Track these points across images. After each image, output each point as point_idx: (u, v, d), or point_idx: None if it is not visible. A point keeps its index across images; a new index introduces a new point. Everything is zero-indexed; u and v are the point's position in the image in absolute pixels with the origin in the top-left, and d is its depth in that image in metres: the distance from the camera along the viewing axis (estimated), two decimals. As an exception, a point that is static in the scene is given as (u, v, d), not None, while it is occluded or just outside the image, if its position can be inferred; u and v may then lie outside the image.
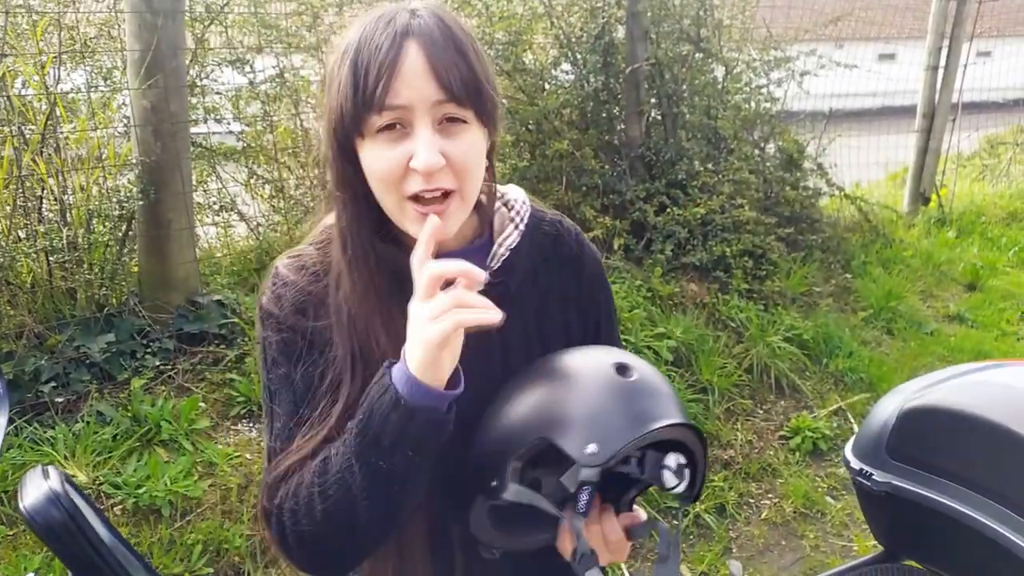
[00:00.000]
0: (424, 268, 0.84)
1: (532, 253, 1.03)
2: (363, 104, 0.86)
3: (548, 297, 1.05)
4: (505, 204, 1.04)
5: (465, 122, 0.89)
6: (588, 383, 0.92)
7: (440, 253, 0.90)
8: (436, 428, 0.86)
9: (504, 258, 1.00)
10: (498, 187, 1.05)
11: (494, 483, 0.94)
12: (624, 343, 3.22)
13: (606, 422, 0.89)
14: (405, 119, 0.87)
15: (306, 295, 0.97)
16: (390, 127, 0.87)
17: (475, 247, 1.01)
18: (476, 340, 0.88)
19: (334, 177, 0.94)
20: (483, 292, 0.86)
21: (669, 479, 0.94)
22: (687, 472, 0.95)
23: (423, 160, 0.85)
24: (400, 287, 0.90)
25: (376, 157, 0.88)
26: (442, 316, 0.81)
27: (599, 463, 0.87)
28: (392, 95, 0.85)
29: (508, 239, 1.00)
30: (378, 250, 0.94)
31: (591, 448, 0.87)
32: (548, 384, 0.94)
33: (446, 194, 0.89)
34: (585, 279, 1.08)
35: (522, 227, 1.02)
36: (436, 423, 0.85)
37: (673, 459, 0.94)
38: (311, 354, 0.96)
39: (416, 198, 0.89)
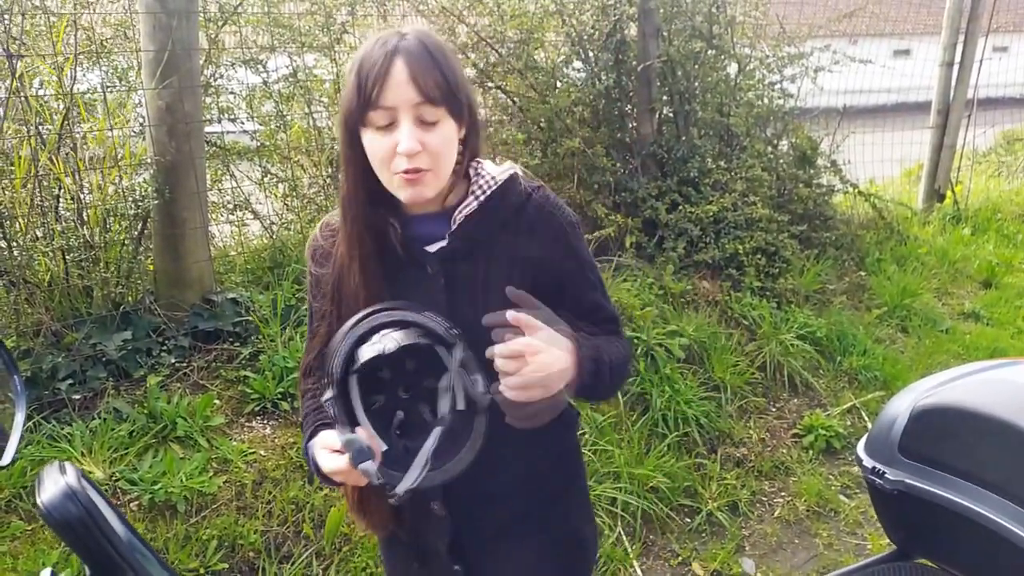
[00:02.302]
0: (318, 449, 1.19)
1: (490, 220, 1.24)
2: (363, 104, 1.15)
3: (503, 258, 1.25)
4: (478, 178, 1.26)
5: (439, 120, 1.16)
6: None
7: (420, 216, 1.24)
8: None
9: (459, 223, 1.23)
10: (486, 165, 1.27)
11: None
12: (636, 340, 3.24)
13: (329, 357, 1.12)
14: (394, 116, 1.15)
15: (320, 248, 1.31)
16: (383, 121, 1.15)
17: (443, 212, 1.25)
18: (424, 292, 1.21)
19: (343, 156, 1.23)
20: (441, 248, 1.23)
21: (368, 350, 1.08)
22: (396, 335, 1.08)
23: (404, 146, 1.14)
24: (381, 244, 1.23)
25: (373, 143, 1.17)
26: (333, 474, 1.15)
27: (330, 388, 1.10)
28: (383, 98, 1.14)
29: (467, 208, 1.23)
30: (367, 212, 1.23)
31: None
32: None
33: (422, 171, 1.17)
34: (546, 244, 1.26)
35: (482, 198, 1.24)
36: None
37: (377, 337, 1.10)
38: (319, 293, 1.31)
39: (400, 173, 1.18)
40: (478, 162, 1.27)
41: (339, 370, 1.09)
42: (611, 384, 1.26)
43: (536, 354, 1.08)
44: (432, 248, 1.24)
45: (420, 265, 1.24)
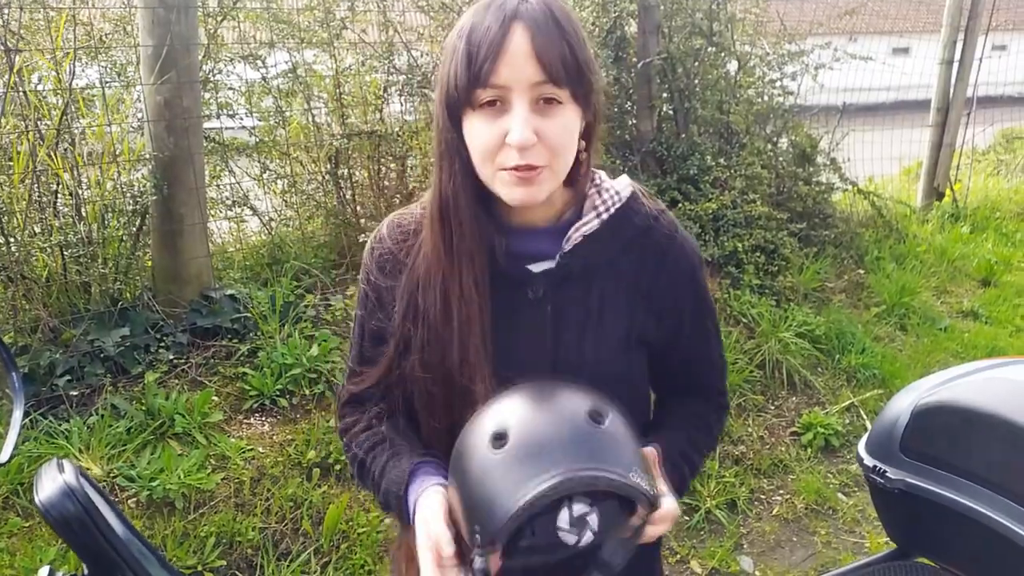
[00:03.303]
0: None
1: (611, 242, 1.06)
2: (471, 80, 0.94)
3: (620, 283, 1.07)
4: (598, 191, 1.07)
5: (561, 102, 0.95)
6: (469, 463, 0.87)
7: (526, 229, 1.04)
8: None
9: (577, 243, 1.04)
10: (602, 175, 1.10)
11: None
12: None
13: (482, 504, 0.83)
14: (505, 97, 0.94)
15: (390, 255, 1.08)
16: (491, 103, 0.95)
17: (556, 227, 1.06)
18: (527, 320, 1.03)
19: (441, 144, 1.02)
20: (549, 270, 1.03)
21: (567, 538, 0.83)
22: (593, 519, 0.83)
23: (517, 137, 0.93)
24: (480, 247, 1.01)
25: (477, 130, 0.96)
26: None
27: (481, 552, 0.83)
28: (495, 75, 0.92)
29: (586, 226, 1.04)
30: (468, 208, 1.01)
31: (476, 534, 0.83)
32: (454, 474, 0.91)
33: (536, 168, 0.96)
34: (675, 278, 1.09)
35: (605, 216, 1.05)
36: None
37: (565, 516, 0.83)
38: (381, 310, 1.09)
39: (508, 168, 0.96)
40: (594, 171, 1.08)
41: (504, 538, 0.83)
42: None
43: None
44: (537, 268, 1.04)
45: (519, 287, 1.03)
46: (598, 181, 1.08)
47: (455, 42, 0.97)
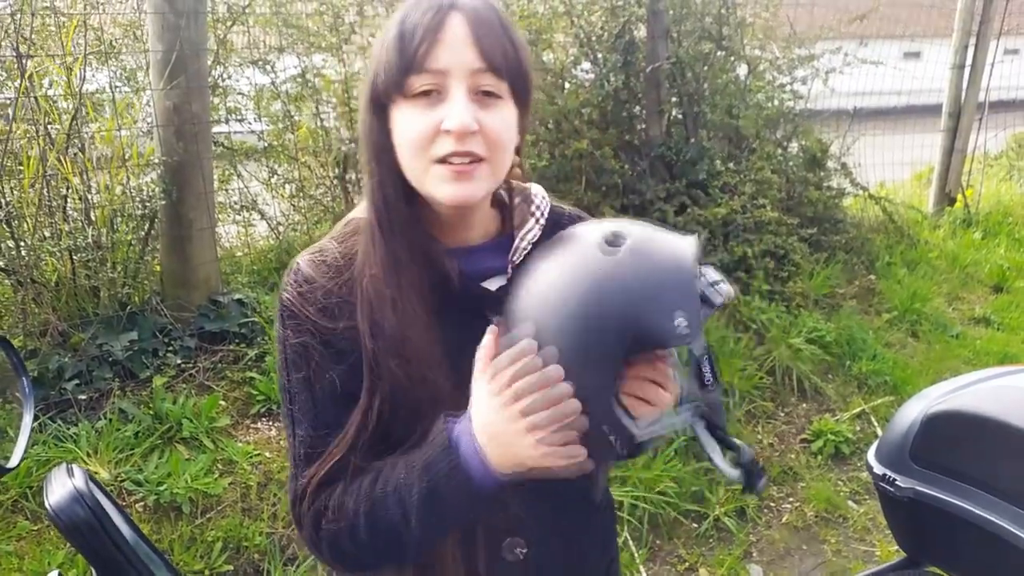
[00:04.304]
0: (495, 374, 0.84)
1: None
2: (404, 66, 0.86)
3: None
4: (525, 198, 1.02)
5: (500, 97, 0.89)
6: (593, 275, 0.86)
7: (464, 247, 0.95)
8: (496, 502, 0.90)
9: (527, 252, 0.97)
10: (514, 182, 1.04)
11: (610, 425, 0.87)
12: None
13: (660, 293, 0.84)
14: (442, 85, 0.87)
15: (330, 295, 0.94)
16: (426, 93, 0.87)
17: (497, 242, 1.00)
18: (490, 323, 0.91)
19: (367, 145, 0.93)
20: (505, 285, 0.93)
21: (725, 289, 0.89)
22: (721, 284, 0.90)
23: (457, 121, 0.85)
24: (423, 265, 0.92)
25: (409, 120, 0.88)
26: (550, 451, 0.83)
27: (696, 327, 0.84)
28: (432, 59, 0.86)
29: (529, 233, 0.99)
30: (406, 218, 0.93)
31: (679, 320, 0.83)
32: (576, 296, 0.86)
33: (476, 160, 0.88)
34: None
35: (543, 221, 1.00)
36: (498, 500, 0.90)
37: (711, 272, 0.90)
38: (333, 360, 0.93)
39: (444, 161, 0.88)
40: (512, 181, 1.02)
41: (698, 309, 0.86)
42: None
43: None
44: (492, 284, 0.96)
45: (476, 308, 0.93)
46: (527, 189, 1.03)
47: (385, 34, 0.90)
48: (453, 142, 0.86)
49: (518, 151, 0.98)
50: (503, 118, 0.89)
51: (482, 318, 0.90)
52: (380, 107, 0.91)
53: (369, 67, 0.92)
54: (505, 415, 0.83)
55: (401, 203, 0.92)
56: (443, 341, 0.92)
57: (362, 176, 0.97)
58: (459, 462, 0.85)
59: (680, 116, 4.14)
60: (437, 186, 0.89)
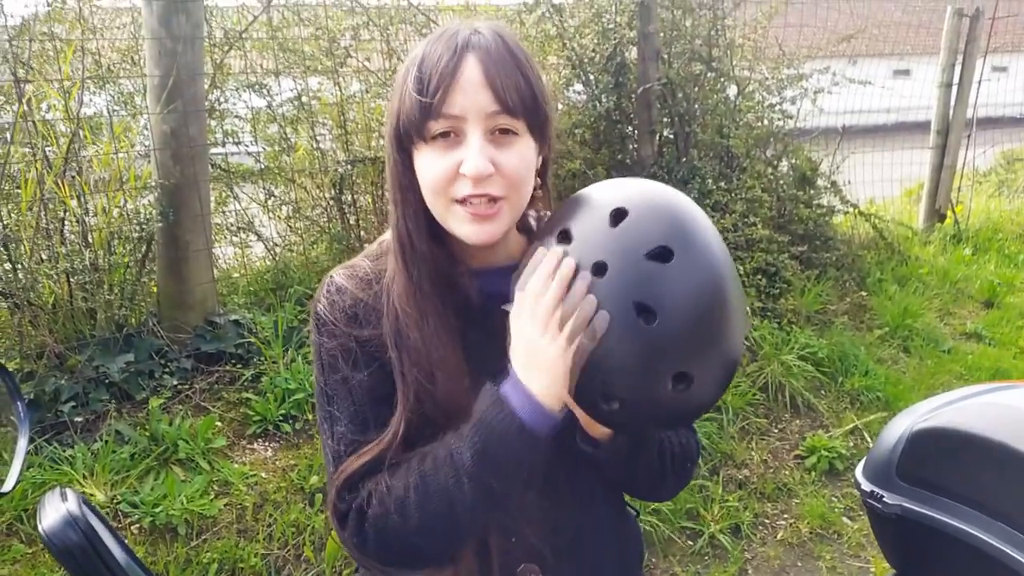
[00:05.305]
0: (534, 295, 0.88)
1: None
2: (422, 111, 0.91)
3: None
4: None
5: (516, 134, 0.93)
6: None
7: (488, 268, 1.00)
8: (553, 450, 0.92)
9: None
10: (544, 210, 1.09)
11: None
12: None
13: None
14: (458, 128, 0.91)
15: (358, 302, 0.99)
16: (444, 135, 0.92)
17: (506, 265, 1.03)
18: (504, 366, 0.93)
19: (392, 181, 0.98)
20: None
21: None
22: None
23: (472, 166, 0.90)
24: (445, 289, 0.97)
25: (429, 162, 0.93)
26: (568, 348, 0.86)
27: None
28: (448, 104, 0.90)
29: None
30: (428, 249, 0.97)
31: None
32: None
33: (493, 200, 0.93)
34: None
35: None
36: (554, 446, 0.91)
37: None
38: (365, 363, 0.98)
39: (464, 201, 0.93)
40: (540, 208, 1.07)
41: None
42: None
43: None
44: (511, 307, 0.98)
45: (491, 326, 0.96)
46: (542, 212, 1.07)
47: (405, 74, 0.94)
48: (471, 185, 0.91)
49: (543, 173, 1.02)
50: (520, 154, 0.93)
51: (503, 337, 0.93)
52: (403, 147, 0.96)
53: (391, 101, 0.97)
54: (548, 336, 0.87)
55: (424, 237, 0.97)
56: (465, 358, 0.96)
57: (387, 204, 1.03)
58: (510, 409, 0.88)
59: (671, 136, 4.18)
60: (459, 226, 0.94)
